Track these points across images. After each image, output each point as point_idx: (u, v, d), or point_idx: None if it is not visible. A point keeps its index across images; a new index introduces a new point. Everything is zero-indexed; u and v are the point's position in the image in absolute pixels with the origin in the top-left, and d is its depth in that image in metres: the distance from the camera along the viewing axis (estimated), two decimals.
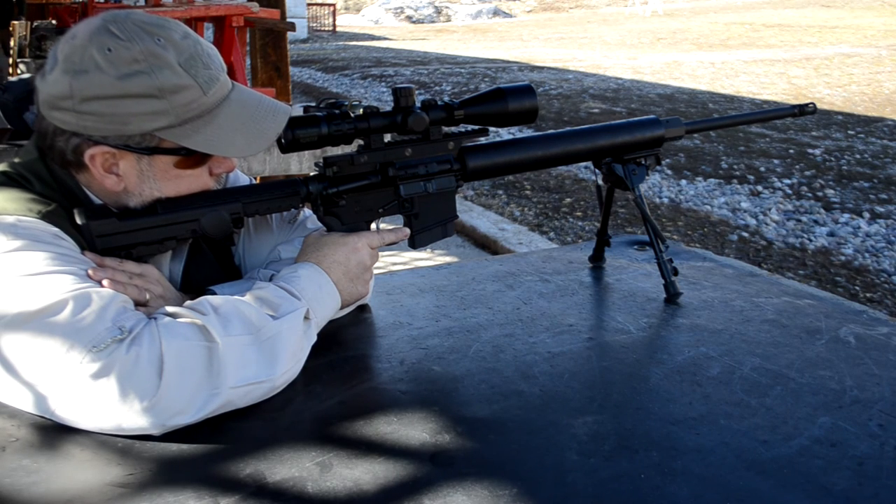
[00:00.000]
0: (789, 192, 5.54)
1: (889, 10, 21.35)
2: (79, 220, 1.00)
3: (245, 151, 1.05)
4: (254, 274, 1.17)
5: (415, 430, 0.94)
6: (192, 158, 1.04)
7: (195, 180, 1.07)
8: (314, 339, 1.07)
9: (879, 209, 5.11)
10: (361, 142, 1.16)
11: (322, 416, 0.98)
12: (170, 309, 0.96)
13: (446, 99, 1.20)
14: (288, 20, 5.01)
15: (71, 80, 0.96)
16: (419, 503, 0.80)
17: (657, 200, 5.38)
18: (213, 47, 1.07)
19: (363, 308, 1.31)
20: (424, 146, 1.19)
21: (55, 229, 0.98)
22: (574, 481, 0.84)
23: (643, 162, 1.36)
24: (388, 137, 1.18)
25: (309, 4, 26.36)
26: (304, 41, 21.98)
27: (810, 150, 6.73)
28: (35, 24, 6.54)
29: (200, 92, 1.00)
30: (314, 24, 27.18)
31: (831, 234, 4.69)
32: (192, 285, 1.16)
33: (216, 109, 1.03)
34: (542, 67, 13.34)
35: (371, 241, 1.16)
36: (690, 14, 24.70)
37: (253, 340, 0.95)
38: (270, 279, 1.09)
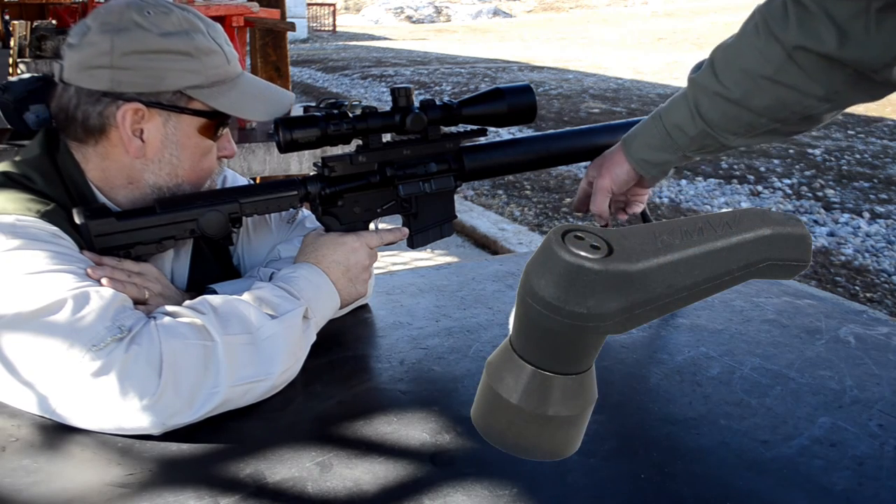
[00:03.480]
0: (789, 192, 5.54)
1: None
2: (77, 220, 1.01)
3: (265, 116, 1.12)
4: (254, 272, 1.18)
5: (415, 430, 0.94)
6: (212, 125, 1.09)
7: (208, 157, 1.11)
8: (313, 338, 1.07)
9: (879, 209, 5.11)
10: (360, 142, 1.16)
11: (322, 416, 0.98)
12: (169, 308, 0.96)
13: (446, 99, 1.20)
14: (288, 20, 5.01)
15: (112, 37, 1.01)
16: (419, 503, 0.80)
17: (657, 200, 5.39)
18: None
19: (363, 308, 1.31)
20: (423, 146, 1.19)
21: (54, 228, 0.98)
22: (574, 481, 0.84)
23: None
24: (387, 137, 1.18)
25: (309, 4, 26.38)
26: (304, 41, 21.99)
27: (810, 150, 6.73)
28: (35, 24, 6.54)
29: (225, 59, 1.09)
30: (314, 24, 27.19)
31: (831, 234, 4.69)
32: (194, 284, 1.16)
33: (237, 79, 1.11)
34: (542, 67, 13.34)
35: (370, 240, 1.16)
36: (690, 14, 24.69)
37: (252, 339, 0.95)
38: (270, 278, 1.09)
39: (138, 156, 1.06)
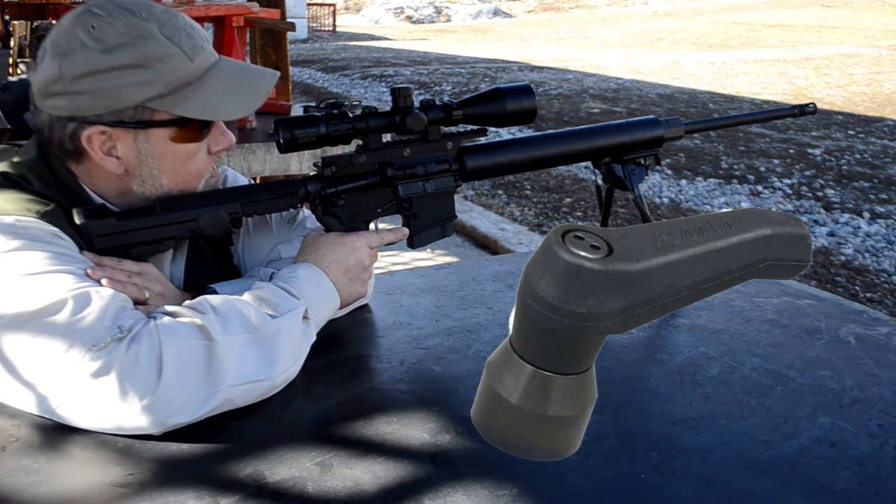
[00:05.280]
0: (789, 192, 5.54)
1: (889, 10, 21.35)
2: (77, 220, 1.01)
3: (238, 112, 1.07)
4: (254, 272, 1.18)
5: (415, 430, 0.94)
6: (187, 131, 1.05)
7: (194, 160, 1.08)
8: (313, 338, 1.07)
9: (879, 209, 5.11)
10: (360, 142, 1.16)
11: (322, 416, 0.98)
12: (169, 308, 0.96)
13: (446, 99, 1.20)
14: (288, 20, 5.01)
15: (60, 63, 0.98)
16: (419, 503, 0.80)
17: (657, 200, 5.38)
18: (195, 22, 1.08)
19: (363, 308, 1.31)
20: (423, 146, 1.19)
21: (54, 228, 0.98)
22: (574, 481, 0.84)
23: (642, 162, 1.36)
24: (387, 137, 1.18)
25: (309, 4, 26.37)
26: (304, 41, 21.99)
27: (810, 150, 6.73)
28: (35, 24, 6.54)
29: (186, 59, 1.02)
30: (314, 24, 27.19)
31: (831, 234, 4.69)
32: (192, 285, 1.16)
33: (204, 76, 1.04)
34: (542, 67, 13.34)
35: (370, 240, 1.16)
36: (690, 14, 24.70)
37: (252, 339, 0.95)
38: (270, 278, 1.09)
39: (118, 172, 1.04)
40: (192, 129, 1.05)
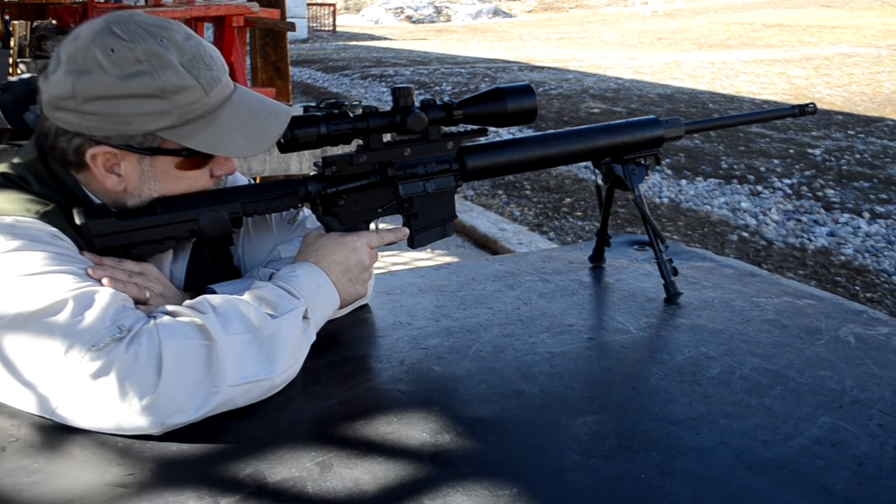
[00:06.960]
0: (789, 192, 5.54)
1: (889, 10, 21.35)
2: (77, 220, 1.01)
3: (247, 152, 1.05)
4: (254, 273, 1.18)
5: (415, 430, 0.94)
6: (193, 160, 1.04)
7: (195, 182, 1.08)
8: (313, 338, 1.07)
9: (879, 209, 5.11)
10: (360, 142, 1.16)
11: (322, 416, 0.98)
12: (169, 308, 0.96)
13: (446, 99, 1.20)
14: (288, 20, 5.02)
15: (74, 81, 0.96)
16: (419, 503, 0.80)
17: (657, 200, 5.38)
18: (215, 49, 1.07)
19: (363, 308, 1.31)
20: (423, 146, 1.19)
21: (53, 229, 0.98)
22: (574, 481, 0.84)
23: (643, 162, 1.36)
24: (387, 137, 1.18)
25: (309, 4, 26.36)
26: (304, 41, 21.98)
27: (810, 150, 6.73)
28: (35, 24, 6.55)
29: (203, 92, 1.01)
30: (314, 24, 27.18)
31: (831, 234, 4.69)
32: (192, 285, 1.16)
33: (218, 110, 1.03)
34: (542, 67, 13.34)
35: (370, 240, 1.16)
36: (690, 14, 24.70)
37: (252, 339, 0.95)
38: (270, 278, 1.09)
39: (118, 189, 1.04)
40: (199, 158, 1.05)
